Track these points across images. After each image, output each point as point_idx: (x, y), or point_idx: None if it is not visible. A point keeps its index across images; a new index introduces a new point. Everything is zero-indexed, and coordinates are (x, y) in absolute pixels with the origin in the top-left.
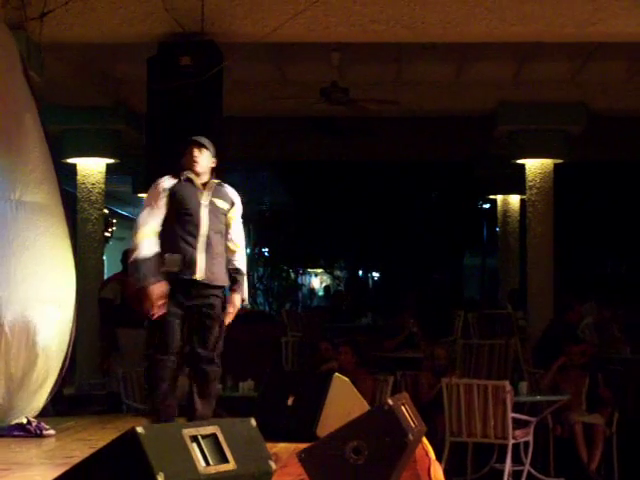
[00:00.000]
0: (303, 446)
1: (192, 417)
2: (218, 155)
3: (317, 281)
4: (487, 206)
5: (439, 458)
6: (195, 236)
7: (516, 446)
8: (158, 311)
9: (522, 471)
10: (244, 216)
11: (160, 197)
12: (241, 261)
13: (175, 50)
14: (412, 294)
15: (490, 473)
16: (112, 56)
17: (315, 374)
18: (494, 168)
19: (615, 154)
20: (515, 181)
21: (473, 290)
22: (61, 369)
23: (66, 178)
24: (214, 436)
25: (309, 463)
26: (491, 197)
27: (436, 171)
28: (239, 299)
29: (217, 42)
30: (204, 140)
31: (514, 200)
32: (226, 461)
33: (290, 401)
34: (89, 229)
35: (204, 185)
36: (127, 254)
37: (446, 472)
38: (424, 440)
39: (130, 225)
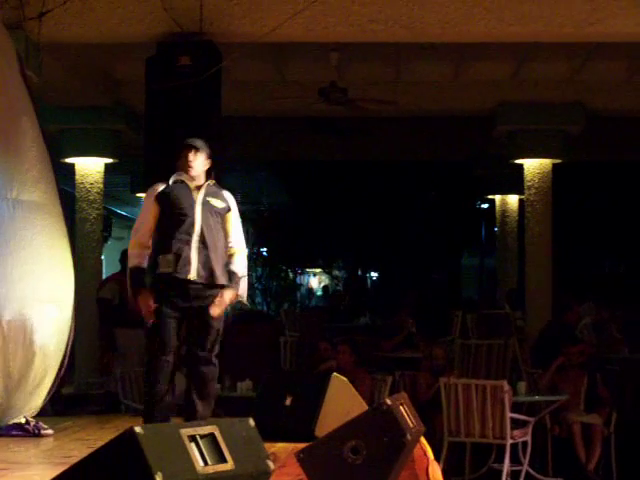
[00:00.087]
0: (301, 446)
1: (192, 418)
2: (217, 155)
3: (315, 281)
4: (485, 206)
5: (437, 458)
6: (190, 235)
7: (514, 446)
8: (152, 317)
9: (520, 471)
10: (242, 216)
11: (151, 205)
12: (240, 264)
13: (174, 50)
14: (410, 294)
15: (488, 473)
16: (111, 56)
17: (313, 374)
18: (493, 168)
19: (614, 154)
20: (514, 181)
21: (471, 290)
22: (59, 368)
23: (65, 178)
24: (212, 436)
25: (307, 463)
26: (489, 197)
27: (435, 171)
28: (230, 293)
29: (216, 42)
30: (199, 143)
31: (512, 200)
32: (224, 461)
33: (288, 401)
34: (87, 229)
35: (198, 187)
36: (125, 254)
37: (444, 472)
38: (422, 440)
39: (129, 225)
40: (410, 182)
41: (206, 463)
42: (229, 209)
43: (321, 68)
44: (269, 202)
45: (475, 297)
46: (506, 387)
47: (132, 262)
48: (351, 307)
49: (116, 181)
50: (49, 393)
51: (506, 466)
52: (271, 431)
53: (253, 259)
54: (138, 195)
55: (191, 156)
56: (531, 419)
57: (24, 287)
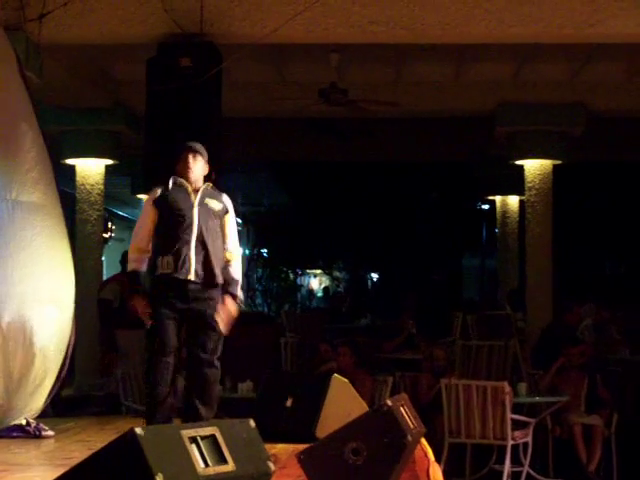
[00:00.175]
0: (302, 447)
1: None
2: (217, 156)
3: (316, 282)
4: (486, 207)
5: (438, 459)
6: (188, 236)
7: (515, 447)
8: (148, 321)
9: (521, 472)
10: (243, 217)
11: (150, 209)
12: (238, 270)
13: (174, 51)
14: (411, 295)
15: (489, 474)
16: (111, 57)
17: (314, 375)
18: (493, 169)
19: (614, 155)
20: (514, 182)
21: (472, 291)
22: (60, 370)
23: (65, 179)
24: (213, 437)
25: (308, 464)
26: (490, 198)
27: (435, 172)
28: (233, 304)
29: (216, 43)
30: (199, 147)
31: (513, 201)
32: (225, 462)
33: (289, 402)
34: (88, 230)
35: (196, 189)
36: (126, 255)
37: (445, 473)
38: (423, 441)
39: (129, 226)
40: (410, 183)
41: (207, 464)
42: (227, 211)
43: (321, 69)
44: (269, 203)
45: (476, 298)
46: (507, 388)
47: (130, 266)
48: (352, 308)
49: (117, 182)
50: (50, 394)
51: (507, 467)
52: (272, 432)
53: (253, 260)
54: (139, 196)
55: (191, 160)
56: (532, 420)
57: (24, 288)
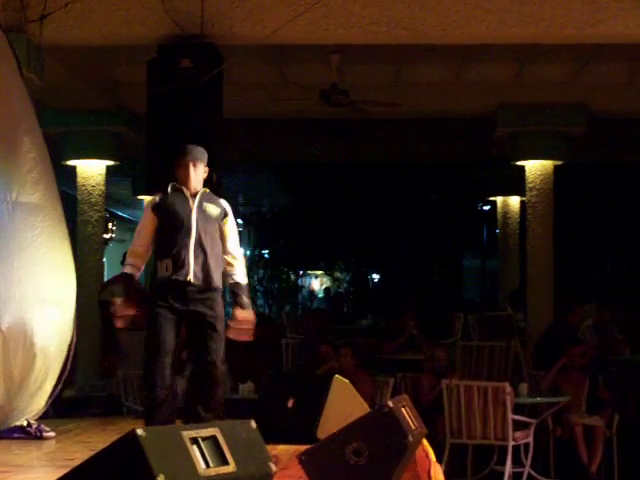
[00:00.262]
0: (303, 448)
1: None
2: (218, 157)
3: (317, 283)
4: (487, 208)
5: (439, 460)
6: (187, 241)
7: (516, 448)
8: (120, 323)
9: (522, 473)
10: (244, 218)
11: (149, 215)
12: (240, 274)
13: (175, 52)
14: (412, 296)
15: (490, 475)
16: (112, 58)
17: (315, 376)
18: (494, 169)
19: (615, 156)
20: (515, 183)
21: (473, 292)
22: (61, 371)
23: (66, 180)
24: (214, 438)
25: (309, 465)
26: (491, 199)
27: (436, 173)
28: (241, 313)
29: (217, 44)
30: (199, 154)
31: (514, 202)
32: (226, 463)
33: (290, 403)
34: (89, 231)
35: (195, 194)
36: None
37: (446, 474)
38: (424, 442)
39: (130, 227)
40: (411, 184)
41: (208, 465)
42: (225, 215)
43: (322, 70)
44: (270, 204)
45: (477, 299)
46: (508, 389)
47: (124, 269)
48: (354, 309)
49: (118, 183)
50: (51, 395)
51: (508, 468)
52: (273, 433)
53: (255, 261)
54: (140, 197)
55: (191, 170)
56: (533, 421)
57: (24, 289)
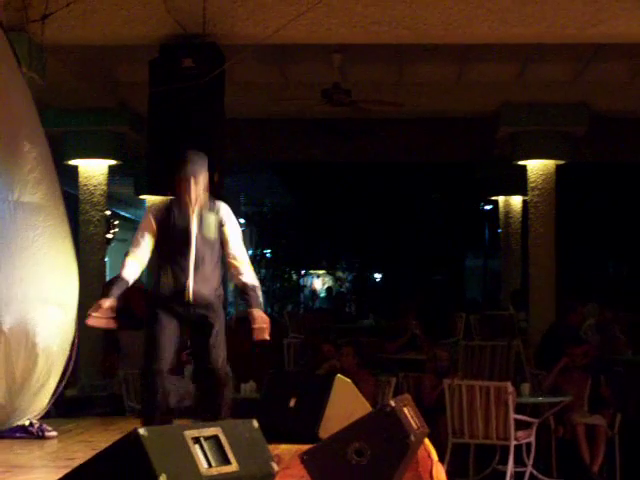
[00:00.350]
0: (305, 447)
1: None
2: (220, 157)
3: (319, 282)
4: (489, 207)
5: (441, 459)
6: (187, 263)
7: (518, 447)
8: (92, 321)
9: (524, 472)
10: (246, 217)
11: (149, 221)
12: (249, 275)
13: (177, 52)
14: (414, 296)
15: (492, 474)
16: (114, 58)
17: (317, 375)
18: (496, 169)
19: (617, 155)
20: (517, 182)
21: (475, 291)
22: (64, 370)
23: (68, 180)
24: (216, 437)
25: (311, 464)
26: (493, 198)
27: (438, 172)
28: (259, 313)
29: (219, 44)
30: (198, 165)
31: (516, 201)
32: (228, 462)
33: (292, 402)
34: (91, 231)
35: (194, 205)
36: None
37: (448, 473)
38: (426, 441)
39: (132, 227)
40: (413, 183)
41: (210, 465)
42: (225, 221)
43: (324, 70)
44: (272, 203)
45: (479, 298)
46: (510, 388)
47: (121, 271)
48: (357, 308)
49: (120, 183)
50: (53, 395)
51: (510, 467)
52: (275, 433)
53: (257, 261)
54: (142, 197)
55: (192, 187)
56: (535, 420)
57: (26, 289)
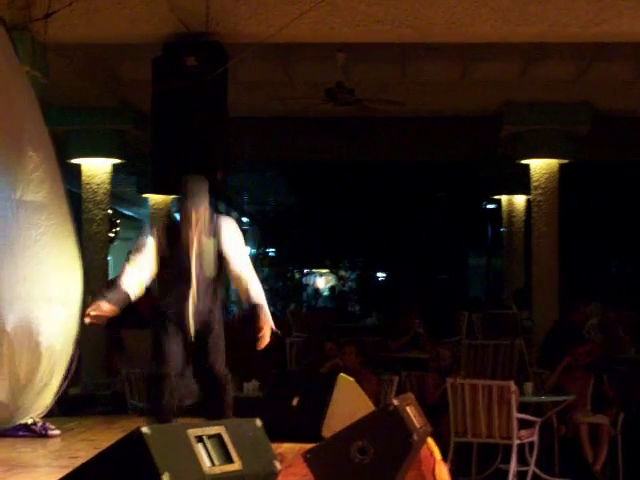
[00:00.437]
0: (308, 446)
1: None
2: (223, 156)
3: (322, 281)
4: (492, 206)
5: (444, 458)
6: (188, 282)
7: (521, 446)
8: (90, 319)
9: (527, 471)
10: (249, 216)
11: (151, 236)
12: (254, 293)
13: (180, 50)
14: (417, 294)
15: (495, 473)
16: (117, 56)
17: (320, 374)
18: (499, 168)
19: (621, 154)
20: (520, 181)
21: (478, 290)
22: (67, 369)
23: (71, 178)
24: (219, 436)
25: (314, 463)
26: (496, 197)
27: (441, 171)
28: (265, 323)
29: (222, 42)
30: (197, 198)
31: (519, 200)
32: (231, 461)
33: (295, 401)
34: (94, 229)
35: (195, 235)
36: None
37: (451, 472)
38: (429, 440)
39: (135, 225)
40: (416, 182)
41: (213, 463)
42: (224, 243)
43: (328, 68)
44: (276, 202)
45: (482, 297)
46: (513, 387)
47: (119, 279)
48: (361, 307)
49: (123, 181)
50: (57, 394)
51: (513, 466)
52: (278, 431)
53: (260, 259)
54: (145, 196)
55: (193, 216)
56: (538, 419)
57: (30, 288)
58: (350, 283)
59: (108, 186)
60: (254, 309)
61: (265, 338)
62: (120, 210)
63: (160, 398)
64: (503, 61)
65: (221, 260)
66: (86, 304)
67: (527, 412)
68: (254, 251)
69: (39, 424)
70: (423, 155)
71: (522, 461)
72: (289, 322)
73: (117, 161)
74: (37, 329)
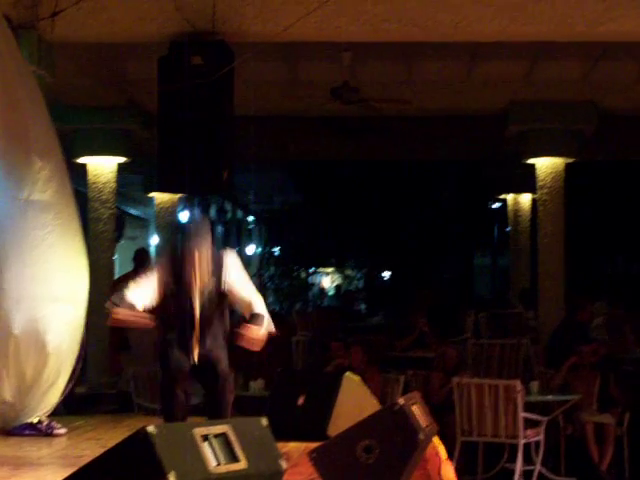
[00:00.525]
0: (314, 445)
1: None
2: (229, 155)
3: (328, 280)
4: (498, 205)
5: (450, 457)
6: (192, 319)
7: (527, 445)
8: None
9: (533, 471)
10: (255, 215)
11: (159, 275)
12: (260, 309)
13: (186, 49)
14: (423, 294)
15: (501, 473)
16: (123, 55)
17: (326, 373)
18: (505, 167)
19: (626, 153)
20: (526, 180)
21: (484, 290)
22: (73, 368)
23: (77, 177)
24: (225, 435)
25: (320, 462)
26: (502, 196)
27: (447, 170)
28: (252, 326)
29: (228, 41)
30: (195, 242)
31: (525, 199)
32: (237, 460)
33: (301, 400)
34: (100, 229)
35: (199, 265)
36: (138, 253)
37: (457, 471)
38: (435, 439)
39: (141, 224)
40: (422, 181)
41: (219, 462)
42: (228, 274)
43: (333, 68)
44: (281, 201)
45: (488, 297)
46: (519, 387)
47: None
48: (367, 306)
49: (129, 181)
50: (63, 393)
51: (519, 466)
52: (284, 430)
53: (265, 258)
54: (151, 195)
55: (197, 261)
56: (544, 419)
57: (36, 287)
58: (356, 282)
59: (114, 185)
60: (252, 316)
61: (249, 337)
62: (126, 209)
63: (173, 408)
64: (509, 60)
65: (224, 295)
66: (92, 303)
67: (533, 411)
68: (260, 250)
69: (45, 423)
70: (429, 154)
71: (528, 460)
72: (294, 321)
73: (123, 160)
74: (44, 328)
